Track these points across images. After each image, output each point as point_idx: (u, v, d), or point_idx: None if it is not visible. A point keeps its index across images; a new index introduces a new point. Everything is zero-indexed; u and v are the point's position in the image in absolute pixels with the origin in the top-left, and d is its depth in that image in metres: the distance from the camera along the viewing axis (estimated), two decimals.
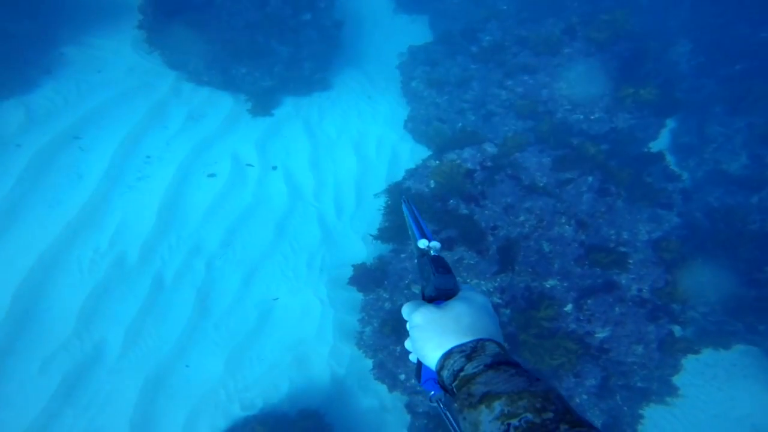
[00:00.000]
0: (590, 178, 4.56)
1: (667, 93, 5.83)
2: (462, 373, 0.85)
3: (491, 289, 4.32)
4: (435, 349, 0.93)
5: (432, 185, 4.96)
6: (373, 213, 6.38)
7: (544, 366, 3.99)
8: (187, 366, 4.84)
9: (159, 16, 6.83)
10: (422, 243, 1.10)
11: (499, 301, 4.25)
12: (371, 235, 5.54)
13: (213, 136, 6.88)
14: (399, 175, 6.80)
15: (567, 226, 4.27)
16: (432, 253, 1.09)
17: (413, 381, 4.49)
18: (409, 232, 1.20)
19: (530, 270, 4.26)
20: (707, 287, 4.93)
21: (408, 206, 1.22)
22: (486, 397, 0.76)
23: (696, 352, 4.76)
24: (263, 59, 7.27)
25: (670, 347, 4.26)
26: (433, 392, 0.96)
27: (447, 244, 4.39)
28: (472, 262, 4.32)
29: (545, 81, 5.96)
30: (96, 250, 5.37)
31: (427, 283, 1.06)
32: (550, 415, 0.69)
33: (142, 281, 5.38)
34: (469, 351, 0.89)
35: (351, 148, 7.17)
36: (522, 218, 4.33)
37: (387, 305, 4.68)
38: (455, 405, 0.83)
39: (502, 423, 0.71)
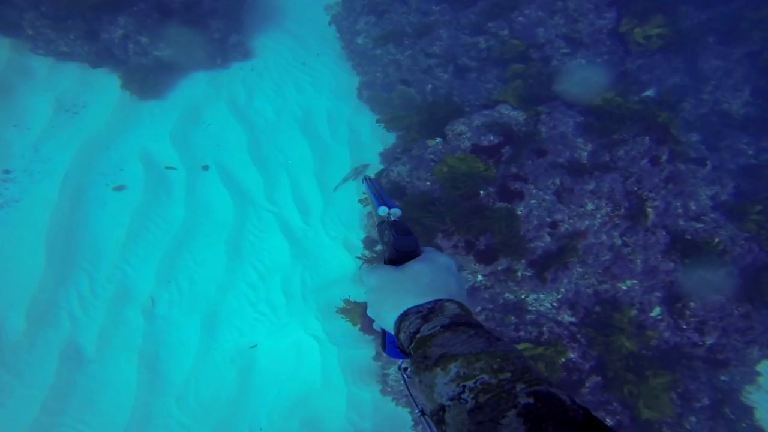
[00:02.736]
0: (647, 139, 3.86)
1: (675, 26, 5.16)
2: (418, 335, 0.78)
3: (555, 303, 3.50)
4: (391, 311, 0.86)
5: (440, 175, 3.84)
6: (347, 208, 5.18)
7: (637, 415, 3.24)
8: None
9: None
10: (382, 210, 1.04)
11: (572, 319, 3.46)
12: (360, 258, 4.31)
13: (106, 132, 4.98)
14: (365, 157, 5.63)
15: (648, 208, 3.57)
16: (392, 218, 1.03)
17: None
18: (371, 206, 1.13)
19: (600, 272, 3.51)
20: None
21: (369, 182, 1.15)
22: (442, 359, 0.70)
23: None
24: (147, 15, 5.33)
25: None
26: (401, 361, 0.88)
27: (488, 255, 3.44)
28: (528, 273, 3.44)
29: (538, 17, 5.06)
30: None
31: (387, 247, 0.99)
32: (508, 375, 0.64)
33: (42, 360, 3.65)
34: (426, 312, 0.82)
35: (297, 129, 5.73)
36: (591, 207, 3.53)
37: None
38: (412, 368, 0.76)
39: (457, 385, 0.65)
